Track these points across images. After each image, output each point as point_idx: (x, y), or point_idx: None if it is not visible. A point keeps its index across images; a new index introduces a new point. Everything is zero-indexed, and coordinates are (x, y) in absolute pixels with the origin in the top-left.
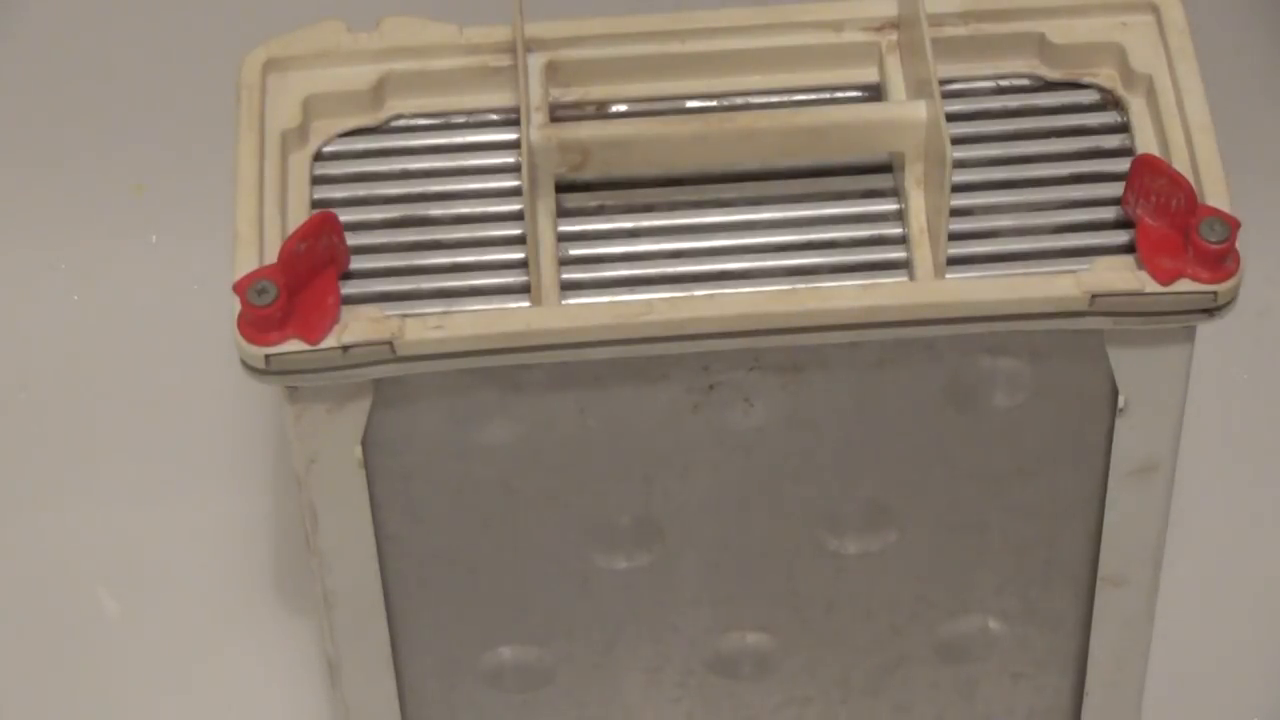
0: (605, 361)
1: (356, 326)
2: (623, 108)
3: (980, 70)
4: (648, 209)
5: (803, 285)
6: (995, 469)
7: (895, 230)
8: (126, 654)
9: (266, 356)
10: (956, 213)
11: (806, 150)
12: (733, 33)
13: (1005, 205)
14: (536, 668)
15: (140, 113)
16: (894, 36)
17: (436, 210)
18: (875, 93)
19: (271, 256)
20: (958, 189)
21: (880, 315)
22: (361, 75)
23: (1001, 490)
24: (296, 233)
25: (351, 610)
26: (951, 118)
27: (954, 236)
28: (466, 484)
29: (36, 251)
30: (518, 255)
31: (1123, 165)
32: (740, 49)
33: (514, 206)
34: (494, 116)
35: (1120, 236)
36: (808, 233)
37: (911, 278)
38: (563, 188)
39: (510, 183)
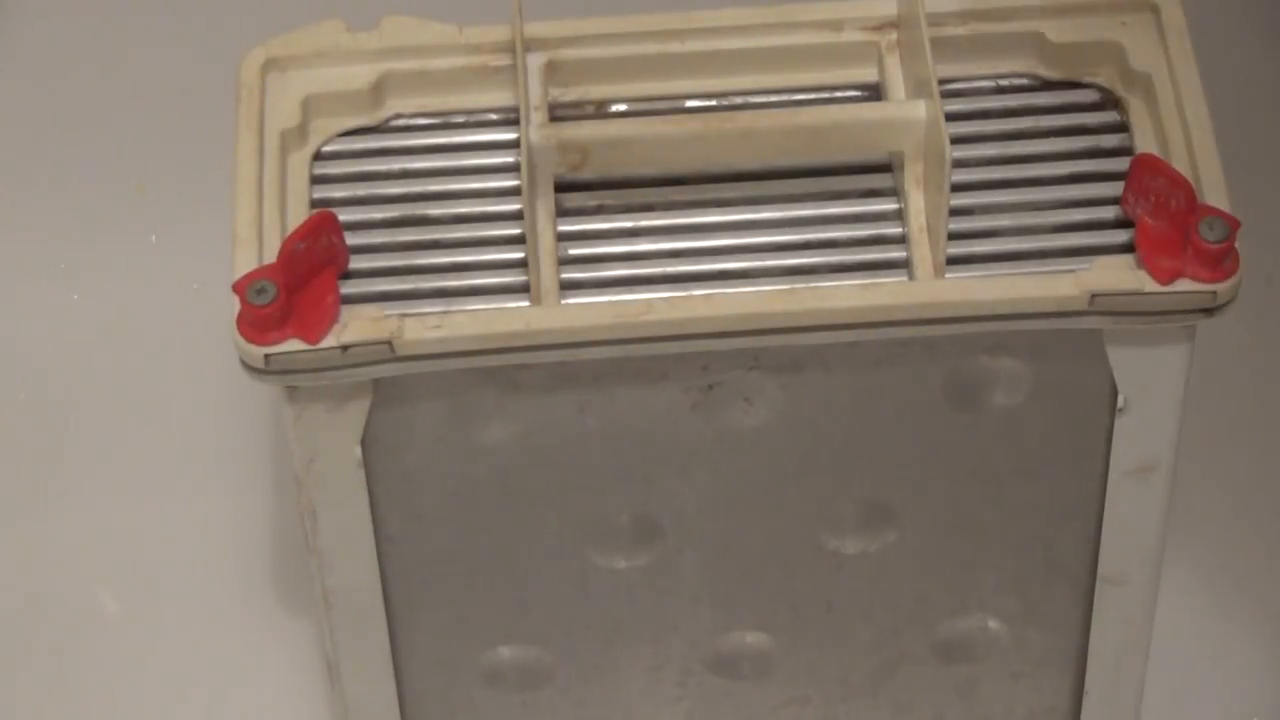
0: (604, 361)
1: (356, 326)
2: (622, 107)
3: (980, 70)
4: (647, 209)
5: (802, 285)
6: (995, 469)
7: (895, 230)
8: (126, 654)
9: (266, 356)
10: (956, 212)
11: (806, 150)
12: (733, 33)
13: (1005, 205)
14: (536, 668)
15: (140, 113)
16: (894, 36)
17: (436, 210)
18: (875, 92)
19: (271, 256)
20: (957, 189)
21: (880, 315)
22: (361, 75)
23: (1001, 490)
24: (296, 232)
25: (351, 610)
26: (951, 117)
27: (954, 236)
28: (466, 484)
29: (36, 251)
30: (517, 255)
31: (1122, 165)
32: (740, 49)
33: (514, 206)
34: (493, 116)
35: (1120, 236)
36: (807, 232)
37: (911, 277)
38: (562, 187)
39: (510, 182)
